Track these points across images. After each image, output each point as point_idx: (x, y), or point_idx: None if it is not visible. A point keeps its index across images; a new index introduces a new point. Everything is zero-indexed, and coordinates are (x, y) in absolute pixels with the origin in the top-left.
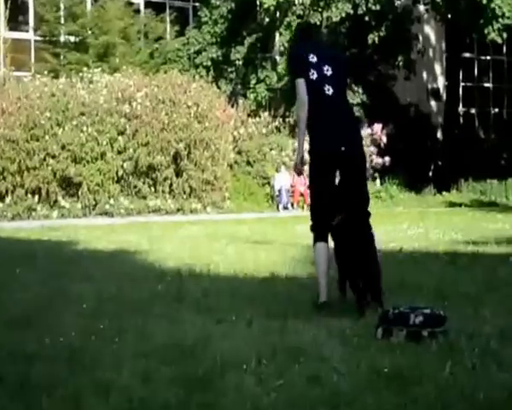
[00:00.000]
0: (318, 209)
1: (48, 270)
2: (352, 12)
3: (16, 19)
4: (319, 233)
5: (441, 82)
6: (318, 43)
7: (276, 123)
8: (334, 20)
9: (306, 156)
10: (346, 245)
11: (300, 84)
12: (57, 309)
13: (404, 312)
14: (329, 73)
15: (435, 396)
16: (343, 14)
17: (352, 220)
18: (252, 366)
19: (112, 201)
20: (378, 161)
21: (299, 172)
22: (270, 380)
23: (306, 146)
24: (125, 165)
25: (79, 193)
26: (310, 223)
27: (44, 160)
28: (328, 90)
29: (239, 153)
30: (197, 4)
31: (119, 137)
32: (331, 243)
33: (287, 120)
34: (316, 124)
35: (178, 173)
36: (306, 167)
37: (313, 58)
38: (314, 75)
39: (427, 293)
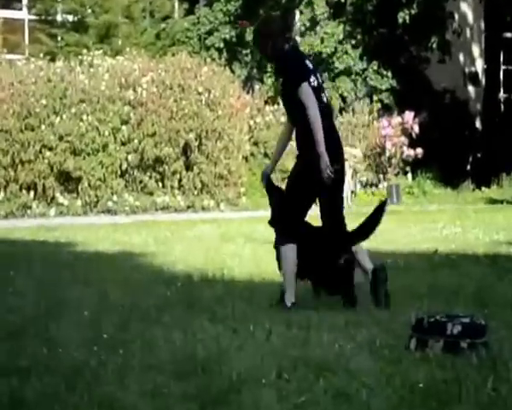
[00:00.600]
0: (296, 214)
1: (45, 274)
2: None
3: None
4: (292, 235)
5: (480, 65)
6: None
7: None
8: None
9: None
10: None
11: (307, 87)
12: (55, 317)
13: (440, 320)
14: (321, 81)
15: None
16: None
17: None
18: (271, 380)
19: (115, 197)
20: (409, 152)
21: (329, 175)
22: (292, 396)
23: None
24: (129, 157)
25: (79, 189)
26: (280, 223)
27: (40, 152)
28: (324, 98)
29: (255, 144)
30: None
31: (123, 127)
32: None
33: None
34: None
35: (188, 167)
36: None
37: (309, 64)
38: (315, 82)
39: (466, 299)
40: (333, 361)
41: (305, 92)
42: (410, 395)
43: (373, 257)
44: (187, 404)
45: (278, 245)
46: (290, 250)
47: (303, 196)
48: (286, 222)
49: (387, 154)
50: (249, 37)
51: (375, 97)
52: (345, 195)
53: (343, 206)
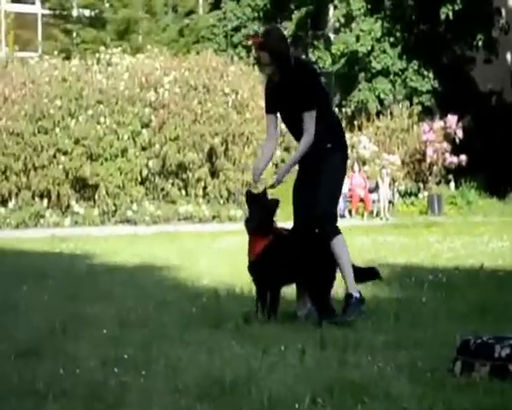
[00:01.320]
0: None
1: (60, 288)
2: None
3: None
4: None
5: None
6: None
7: None
8: None
9: None
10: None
11: (314, 115)
12: (72, 335)
13: (487, 342)
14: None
15: None
16: None
17: None
18: (305, 405)
19: (134, 206)
20: (452, 159)
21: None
22: None
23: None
24: (150, 163)
25: (96, 197)
26: (332, 214)
27: (54, 157)
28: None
29: (286, 150)
30: None
31: (144, 131)
32: None
33: (343, 110)
34: (340, 123)
35: (214, 174)
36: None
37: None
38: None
39: None
40: (372, 385)
41: (312, 118)
42: None
43: (414, 273)
44: None
45: (329, 238)
46: (342, 240)
47: (342, 185)
48: (333, 213)
49: (428, 161)
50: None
51: (415, 100)
52: (381, 205)
53: None
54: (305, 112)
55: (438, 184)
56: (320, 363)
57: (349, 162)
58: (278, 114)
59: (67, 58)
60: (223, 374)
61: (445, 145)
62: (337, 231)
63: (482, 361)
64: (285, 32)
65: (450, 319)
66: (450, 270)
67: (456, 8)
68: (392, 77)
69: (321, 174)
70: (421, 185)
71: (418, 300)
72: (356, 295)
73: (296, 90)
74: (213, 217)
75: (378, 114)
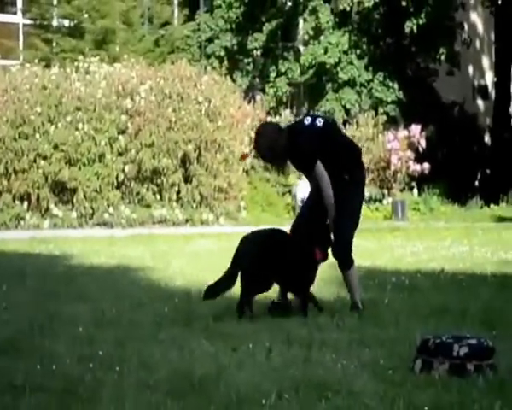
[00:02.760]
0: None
1: (38, 288)
2: None
3: None
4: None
5: (489, 78)
6: None
7: None
8: (367, 5)
9: None
10: None
11: (320, 167)
12: (49, 333)
13: (446, 342)
14: (328, 119)
15: None
16: None
17: None
18: (271, 401)
19: (111, 209)
20: (416, 167)
21: None
22: None
23: None
24: (126, 168)
25: (74, 200)
26: (347, 248)
27: (34, 161)
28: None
29: (256, 157)
30: None
31: (120, 137)
32: None
33: None
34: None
35: (187, 179)
36: None
37: (313, 125)
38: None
39: (473, 320)
40: (335, 382)
41: (319, 169)
42: None
43: (378, 275)
44: None
45: (346, 268)
46: (355, 269)
47: (359, 213)
48: (349, 246)
49: (392, 168)
50: (251, 45)
51: (380, 110)
52: None
53: None
54: (313, 171)
55: (402, 190)
56: (286, 361)
57: None
58: None
59: (47, 66)
60: (193, 371)
61: (409, 154)
62: (351, 263)
63: (441, 360)
64: (274, 126)
65: (412, 320)
66: (413, 273)
67: (421, 22)
68: (358, 87)
69: (337, 205)
70: (385, 192)
71: (381, 301)
72: (360, 307)
73: (298, 162)
74: (186, 220)
75: (344, 123)
